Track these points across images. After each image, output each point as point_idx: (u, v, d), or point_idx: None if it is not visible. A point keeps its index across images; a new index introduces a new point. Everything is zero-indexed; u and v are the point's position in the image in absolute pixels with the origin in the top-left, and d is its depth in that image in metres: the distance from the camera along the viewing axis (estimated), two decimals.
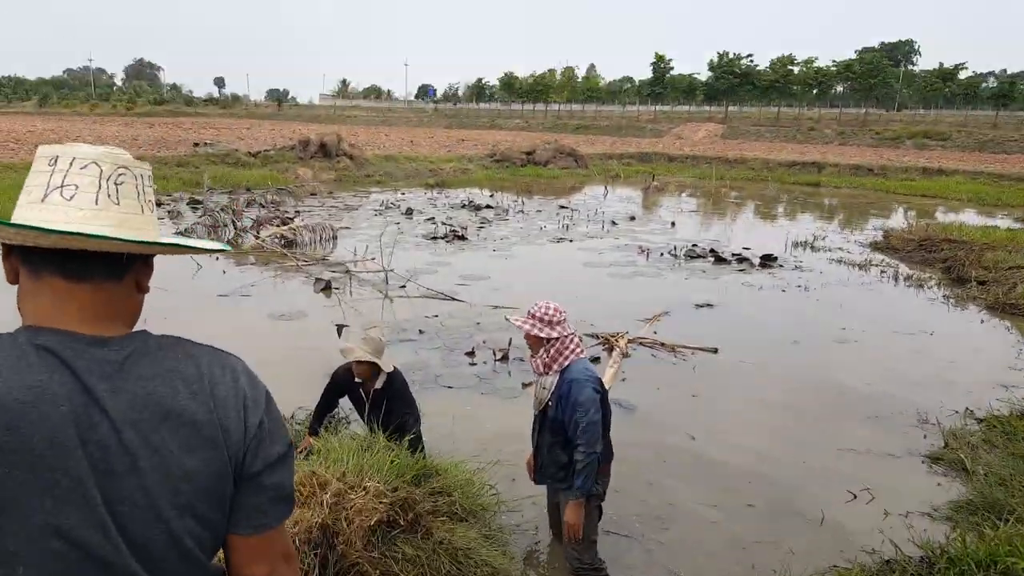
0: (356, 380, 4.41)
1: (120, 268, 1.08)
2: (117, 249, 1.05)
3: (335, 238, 13.21)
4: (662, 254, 13.16)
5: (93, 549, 0.98)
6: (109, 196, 1.06)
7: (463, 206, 18.79)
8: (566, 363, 3.39)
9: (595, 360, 7.26)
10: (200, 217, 14.27)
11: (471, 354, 7.32)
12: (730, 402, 6.37)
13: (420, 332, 7.98)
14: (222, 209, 14.27)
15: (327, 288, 9.67)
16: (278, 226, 13.14)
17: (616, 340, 7.77)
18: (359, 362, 4.26)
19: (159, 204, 16.58)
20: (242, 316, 8.50)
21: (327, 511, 3.08)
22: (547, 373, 3.43)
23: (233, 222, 13.47)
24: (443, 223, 15.40)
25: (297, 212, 15.66)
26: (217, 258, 11.56)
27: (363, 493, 3.21)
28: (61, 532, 0.97)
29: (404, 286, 9.92)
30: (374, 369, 4.33)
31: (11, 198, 12.97)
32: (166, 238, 1.12)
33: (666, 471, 5.01)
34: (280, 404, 4.51)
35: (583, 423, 3.29)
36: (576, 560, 3.62)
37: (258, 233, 12.76)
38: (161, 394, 1.05)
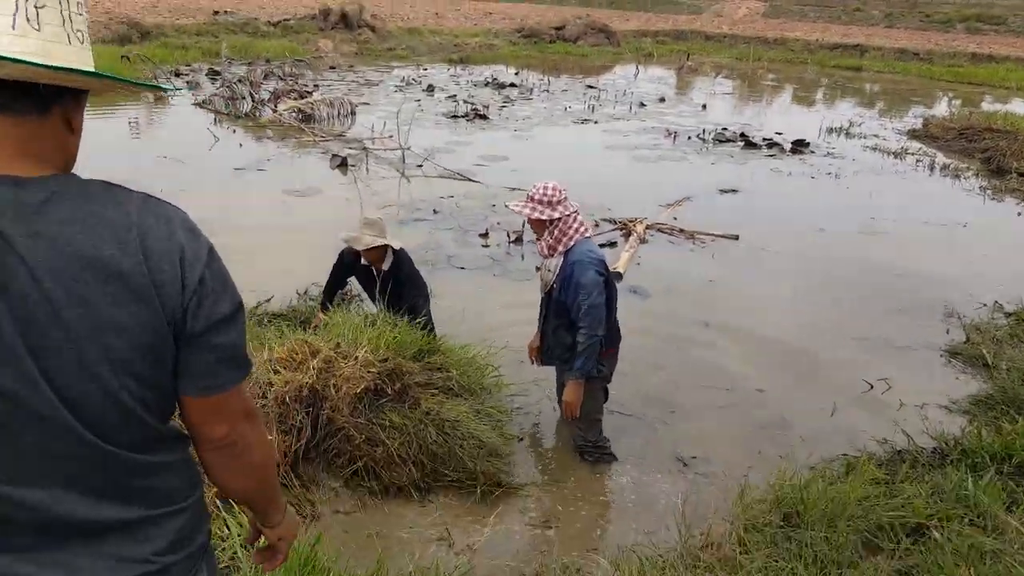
0: (363, 263, 4.33)
1: (41, 101, 0.96)
2: (32, 77, 0.92)
3: (353, 113, 12.78)
4: (690, 137, 12.60)
5: (23, 401, 0.93)
6: (28, 20, 0.93)
7: (486, 84, 18.04)
8: (571, 243, 3.28)
9: (611, 245, 7.05)
10: (218, 89, 13.85)
11: (485, 236, 7.14)
12: (747, 290, 6.18)
13: (435, 212, 7.78)
14: (239, 80, 13.81)
15: (343, 165, 9.41)
16: (295, 100, 12.71)
17: (634, 225, 7.52)
18: (369, 249, 4.15)
19: (178, 74, 16.15)
20: (257, 190, 8.33)
21: (315, 376, 3.13)
22: (552, 255, 3.33)
23: (251, 94, 13.05)
24: (465, 101, 14.81)
25: (316, 86, 15.12)
26: (234, 131, 11.30)
27: (352, 362, 3.23)
28: None
29: (421, 165, 9.62)
30: (382, 251, 4.23)
31: None
32: (86, 67, 0.99)
33: (676, 356, 4.91)
34: (292, 280, 4.43)
35: (585, 305, 3.22)
36: (580, 438, 3.63)
37: (275, 107, 12.38)
38: (82, 242, 0.94)
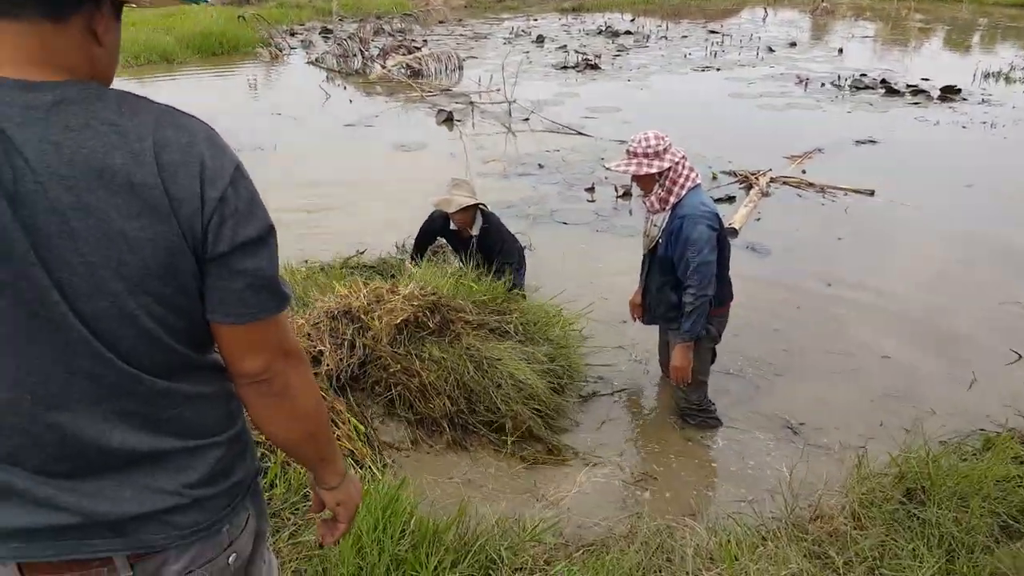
0: (452, 228, 4.32)
1: (59, 6, 0.92)
2: None
3: (460, 68, 12.83)
4: (823, 84, 11.79)
5: (37, 312, 0.91)
6: None
7: (599, 32, 17.60)
8: (683, 192, 3.11)
9: (729, 199, 6.74)
10: (330, 46, 14.27)
11: (591, 190, 7.00)
12: (879, 249, 5.74)
13: (540, 166, 7.70)
14: (349, 37, 14.15)
15: (449, 120, 9.48)
16: (404, 55, 12.89)
17: (756, 178, 7.14)
18: (459, 211, 4.14)
19: (292, 33, 16.77)
20: (366, 146, 8.55)
21: (363, 302, 3.26)
22: (664, 208, 3.17)
23: (361, 51, 13.36)
24: (575, 51, 14.52)
25: (424, 41, 15.28)
26: (345, 87, 11.63)
27: (399, 297, 3.32)
28: None
29: (527, 119, 9.54)
30: (472, 214, 4.21)
31: None
32: None
33: (795, 317, 4.64)
34: (394, 233, 4.48)
35: (695, 263, 3.06)
36: (683, 400, 3.52)
37: (384, 63, 12.61)
38: (92, 148, 0.89)
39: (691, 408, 3.51)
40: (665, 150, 3.08)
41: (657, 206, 3.17)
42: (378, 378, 3.21)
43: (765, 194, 6.86)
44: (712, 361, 3.58)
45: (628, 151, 3.14)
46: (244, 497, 1.16)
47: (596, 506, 2.98)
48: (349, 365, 3.14)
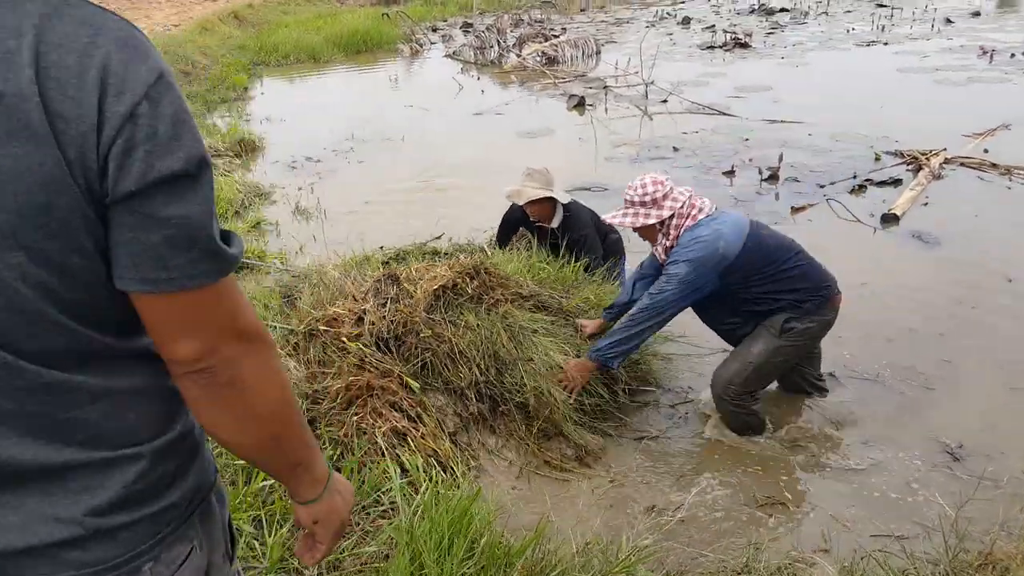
0: (532, 221, 4.03)
1: None
2: None
3: (598, 53, 12.45)
4: (1013, 55, 10.33)
5: None
6: None
7: (751, 11, 16.57)
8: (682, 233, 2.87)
9: (894, 183, 5.95)
10: (467, 39, 14.37)
11: (730, 173, 6.44)
12: None
13: (674, 149, 7.22)
14: (487, 29, 14.18)
15: (580, 105, 9.16)
16: (540, 43, 12.71)
17: (926, 159, 6.27)
18: (532, 203, 3.85)
19: (434, 29, 17.09)
20: (490, 133, 8.42)
21: (411, 271, 3.24)
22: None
23: (498, 42, 13.33)
24: (724, 31, 13.69)
25: (563, 29, 15.03)
26: (478, 78, 11.62)
27: (443, 265, 3.30)
28: None
29: (665, 100, 9.03)
30: (551, 206, 3.91)
31: None
32: None
33: (965, 319, 3.94)
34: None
35: (655, 291, 2.85)
36: (727, 386, 3.00)
37: (520, 51, 12.49)
38: None
39: (730, 399, 3.01)
40: (665, 196, 2.84)
41: (663, 256, 2.94)
42: (411, 344, 3.08)
43: (937, 176, 6.00)
44: (813, 365, 3.23)
45: (625, 200, 2.93)
46: (182, 524, 0.90)
47: (706, 532, 2.59)
48: (390, 328, 3.04)
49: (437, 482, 2.80)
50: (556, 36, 13.44)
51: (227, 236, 0.83)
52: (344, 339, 3.06)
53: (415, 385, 2.99)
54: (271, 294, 3.89)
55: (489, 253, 4.08)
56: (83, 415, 0.80)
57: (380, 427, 2.95)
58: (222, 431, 0.89)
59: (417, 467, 2.79)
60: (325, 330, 3.16)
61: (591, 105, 9.21)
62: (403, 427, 3.00)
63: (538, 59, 12.05)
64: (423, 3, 20.94)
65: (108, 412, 0.82)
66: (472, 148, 7.72)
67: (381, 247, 4.80)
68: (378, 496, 2.64)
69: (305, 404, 3.03)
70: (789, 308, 2.90)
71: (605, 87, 9.97)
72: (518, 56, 12.30)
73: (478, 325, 3.11)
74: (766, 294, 2.90)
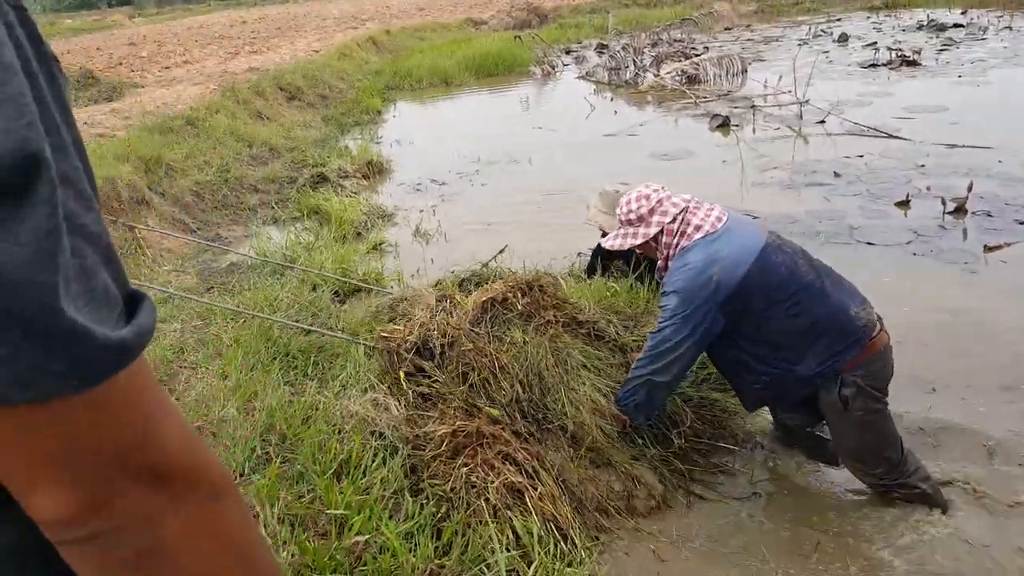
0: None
1: None
2: None
3: (744, 72, 11.73)
4: None
5: None
6: None
7: (919, 28, 15.24)
8: (674, 253, 2.53)
9: None
10: (601, 60, 14.06)
11: (904, 204, 5.64)
12: None
13: (836, 175, 6.47)
14: (622, 48, 13.80)
15: (724, 125, 8.53)
16: (679, 61, 12.17)
17: None
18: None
19: (568, 51, 16.93)
20: (621, 155, 7.96)
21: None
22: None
23: (633, 61, 12.92)
24: (888, 48, 12.60)
25: (705, 47, 14.40)
26: (611, 99, 11.23)
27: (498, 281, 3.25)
28: None
29: (823, 121, 8.25)
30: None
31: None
32: None
33: None
34: None
35: (654, 330, 2.54)
36: (872, 478, 2.60)
37: (657, 71, 12.01)
38: None
39: (880, 482, 2.59)
40: (652, 211, 2.57)
41: (664, 274, 2.64)
42: (453, 358, 2.95)
43: None
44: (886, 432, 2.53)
45: (619, 219, 2.70)
46: None
47: None
48: (430, 338, 2.99)
49: (556, 556, 2.39)
50: (697, 54, 12.86)
51: (130, 301, 0.51)
52: (401, 350, 2.99)
53: (495, 413, 2.77)
54: (376, 318, 3.64)
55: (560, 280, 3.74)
56: None
57: (492, 481, 2.57)
58: None
59: (530, 533, 2.40)
60: (385, 339, 3.07)
61: (736, 125, 8.57)
62: (519, 483, 2.61)
63: (677, 78, 11.51)
64: (557, 26, 20.93)
65: None
66: (602, 170, 7.31)
67: (452, 270, 4.54)
68: (482, 570, 2.26)
69: (406, 449, 2.70)
70: (821, 377, 2.43)
71: (753, 106, 9.28)
72: (655, 75, 11.81)
73: (524, 343, 2.95)
74: (778, 350, 2.45)
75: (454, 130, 9.94)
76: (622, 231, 2.67)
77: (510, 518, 2.47)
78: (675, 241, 2.52)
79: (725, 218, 2.51)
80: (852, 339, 2.37)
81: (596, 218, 3.57)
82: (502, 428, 2.76)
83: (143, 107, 8.52)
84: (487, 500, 2.51)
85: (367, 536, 2.32)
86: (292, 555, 2.20)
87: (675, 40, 15.52)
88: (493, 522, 2.43)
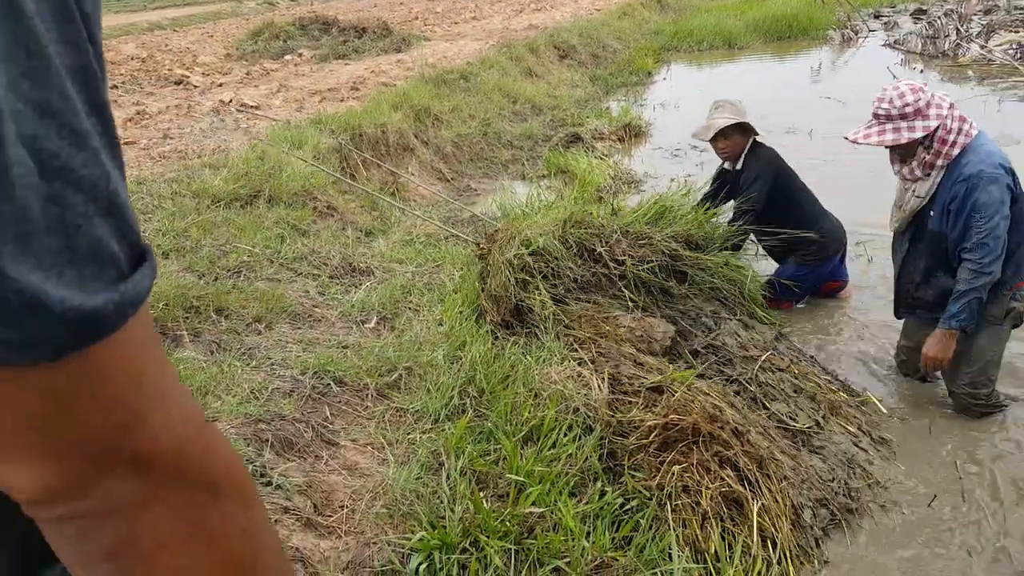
0: (725, 168, 3.93)
1: None
2: None
3: None
4: None
5: None
6: None
7: None
8: (955, 151, 2.65)
9: None
10: (916, 26, 12.43)
11: None
12: None
13: None
14: (945, 14, 12.07)
15: None
16: (1016, 32, 10.36)
17: None
18: (721, 136, 3.71)
19: (877, 16, 15.26)
20: None
21: None
22: (929, 174, 2.75)
23: (956, 29, 11.23)
24: None
25: None
26: (921, 71, 9.89)
27: None
28: None
29: None
30: (740, 142, 3.73)
31: None
32: None
33: None
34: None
35: (982, 232, 2.61)
36: (967, 391, 2.97)
37: (986, 41, 10.33)
38: None
39: (979, 404, 2.99)
40: (928, 104, 2.64)
41: (919, 173, 2.76)
42: None
43: None
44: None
45: (876, 114, 2.73)
46: None
47: None
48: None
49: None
50: None
51: (138, 258, 0.45)
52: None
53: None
54: None
55: None
56: None
57: (707, 487, 2.38)
58: None
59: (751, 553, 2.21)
60: None
61: None
62: (738, 493, 2.39)
63: (1010, 52, 9.80)
64: None
65: None
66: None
67: None
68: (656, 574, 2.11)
69: (606, 432, 2.58)
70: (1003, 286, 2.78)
71: None
72: (982, 47, 10.16)
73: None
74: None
75: (728, 95, 9.40)
76: (889, 125, 2.62)
77: (722, 532, 2.29)
78: (952, 135, 2.60)
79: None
80: None
81: (719, 123, 3.66)
82: (720, 427, 2.55)
83: (424, 60, 9.13)
84: (697, 505, 2.34)
85: (542, 509, 2.26)
86: (465, 510, 2.22)
87: (1017, 7, 13.23)
88: (696, 528, 2.27)
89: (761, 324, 3.51)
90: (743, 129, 3.71)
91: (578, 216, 3.44)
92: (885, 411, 3.15)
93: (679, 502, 2.34)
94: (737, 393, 2.96)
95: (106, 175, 0.41)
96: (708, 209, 3.79)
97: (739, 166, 3.75)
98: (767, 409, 2.92)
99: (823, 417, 2.97)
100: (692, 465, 2.44)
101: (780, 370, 3.16)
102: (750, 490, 2.41)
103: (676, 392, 2.66)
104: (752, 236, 3.84)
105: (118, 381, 0.44)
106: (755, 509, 2.35)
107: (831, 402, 3.08)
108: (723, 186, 3.94)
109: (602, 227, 3.36)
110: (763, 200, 3.67)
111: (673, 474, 2.39)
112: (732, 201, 3.81)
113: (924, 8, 15.09)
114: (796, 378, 3.14)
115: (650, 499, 2.37)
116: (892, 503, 2.68)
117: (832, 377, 3.32)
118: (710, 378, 2.96)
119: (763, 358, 3.12)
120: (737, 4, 16.35)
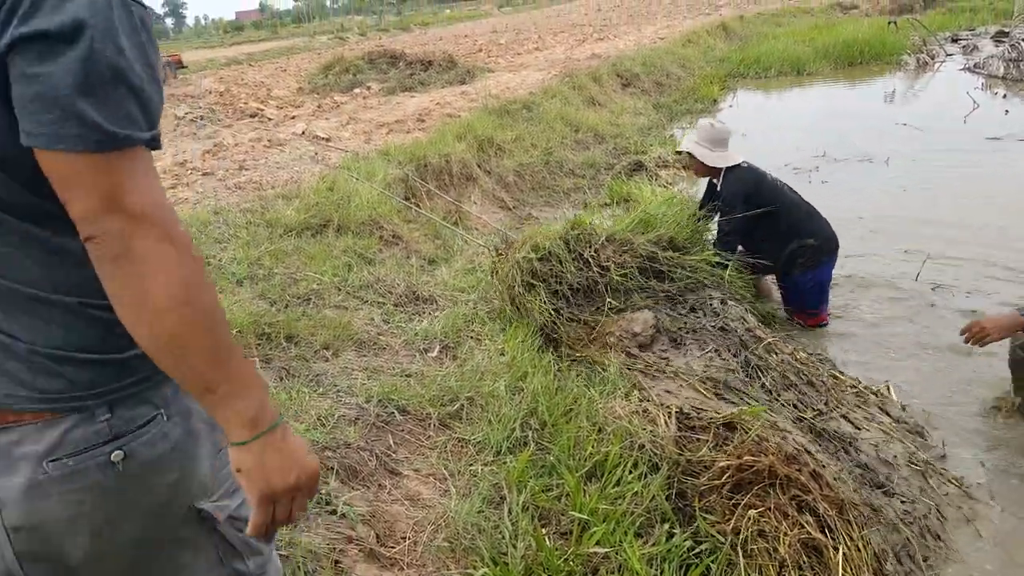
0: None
1: None
2: None
3: None
4: None
5: None
6: None
7: None
8: None
9: None
10: (998, 50, 12.02)
11: None
12: None
13: None
14: None
15: None
16: None
17: None
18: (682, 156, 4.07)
19: (955, 40, 14.85)
20: (1005, 162, 6.71)
21: None
22: None
23: None
24: None
25: None
26: (1004, 95, 9.54)
27: None
28: None
29: None
30: (698, 165, 3.99)
31: None
32: None
33: None
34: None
35: None
36: None
37: None
38: None
39: None
40: None
41: None
42: None
43: None
44: None
45: None
46: (146, 387, 1.00)
47: None
48: None
49: None
50: None
51: (151, 128, 0.90)
52: None
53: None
54: None
55: None
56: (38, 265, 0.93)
57: (785, 533, 2.26)
58: (120, 310, 0.90)
59: None
60: None
61: None
62: (817, 541, 2.27)
63: None
64: (946, 11, 18.42)
65: (59, 265, 0.94)
66: (975, 179, 6.23)
67: None
68: None
69: (675, 472, 2.50)
70: None
71: None
72: None
73: None
74: None
75: (797, 122, 9.25)
76: None
77: None
78: None
79: None
80: None
81: (688, 145, 3.92)
82: (798, 469, 2.44)
83: (488, 91, 9.26)
84: (775, 551, 2.23)
85: (607, 549, 2.21)
86: (528, 547, 2.19)
87: None
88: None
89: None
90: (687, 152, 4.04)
91: (578, 222, 3.71)
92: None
93: (754, 546, 2.24)
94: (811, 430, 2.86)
95: (152, 92, 0.90)
96: (701, 212, 4.02)
97: (717, 182, 3.97)
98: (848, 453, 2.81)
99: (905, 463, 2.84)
100: (769, 509, 2.33)
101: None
102: (831, 536, 2.30)
103: (750, 430, 2.57)
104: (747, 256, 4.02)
105: (126, 167, 0.86)
106: (839, 560, 2.23)
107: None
108: (710, 195, 4.20)
109: (592, 234, 3.58)
110: (739, 224, 3.86)
111: (749, 518, 2.30)
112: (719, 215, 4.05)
113: (1006, 30, 14.59)
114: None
115: (723, 543, 2.28)
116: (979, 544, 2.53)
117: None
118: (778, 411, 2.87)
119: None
120: (806, 31, 16.11)
